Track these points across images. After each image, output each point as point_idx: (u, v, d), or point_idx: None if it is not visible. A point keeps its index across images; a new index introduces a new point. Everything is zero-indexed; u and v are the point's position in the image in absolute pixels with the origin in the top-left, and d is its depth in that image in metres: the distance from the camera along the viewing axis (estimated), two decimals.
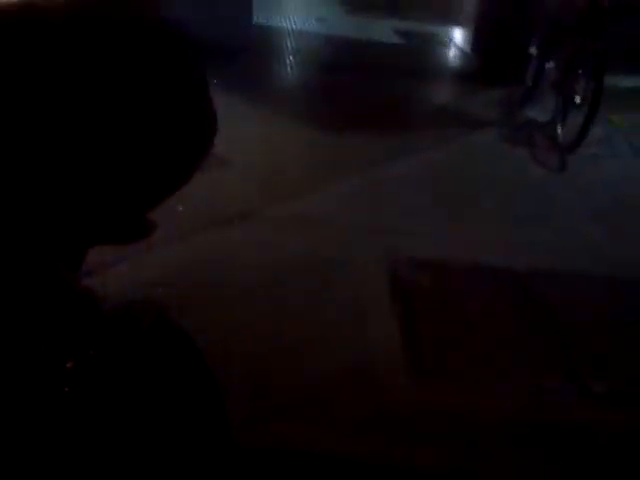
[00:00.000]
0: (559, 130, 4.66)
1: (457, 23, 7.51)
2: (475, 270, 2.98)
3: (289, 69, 5.80)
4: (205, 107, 0.68)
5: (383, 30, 7.46)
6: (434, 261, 2.99)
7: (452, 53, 7.06)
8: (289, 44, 6.37)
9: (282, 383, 2.12)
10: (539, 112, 5.27)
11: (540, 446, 2.05)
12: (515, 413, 2.19)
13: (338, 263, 2.87)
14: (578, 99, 4.51)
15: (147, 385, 0.59)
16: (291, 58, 5.97)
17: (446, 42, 7.42)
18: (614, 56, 4.46)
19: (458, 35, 7.43)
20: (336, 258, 2.90)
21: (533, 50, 5.75)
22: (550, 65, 5.29)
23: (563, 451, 2.05)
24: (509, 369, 2.40)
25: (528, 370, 2.41)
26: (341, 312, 2.55)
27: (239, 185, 3.36)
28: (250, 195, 3.33)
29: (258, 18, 6.84)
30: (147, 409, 0.59)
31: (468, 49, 6.68)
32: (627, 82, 5.59)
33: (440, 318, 2.63)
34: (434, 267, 2.95)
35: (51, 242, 0.58)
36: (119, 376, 0.58)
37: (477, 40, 6.36)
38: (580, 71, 4.57)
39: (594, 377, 2.38)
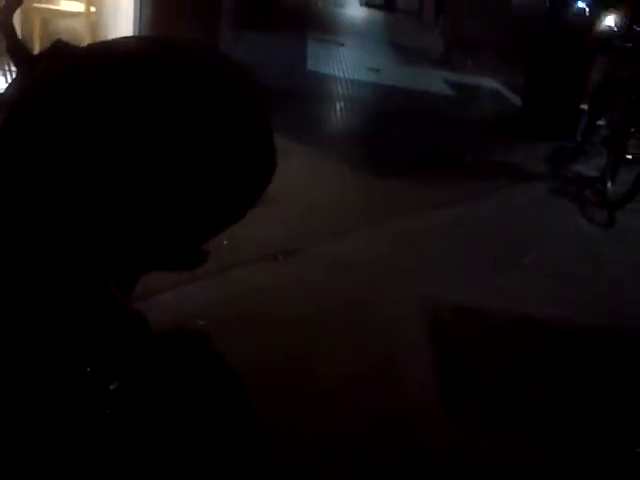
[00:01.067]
0: (609, 186, 4.62)
1: (509, 77, 7.55)
2: (513, 321, 2.94)
3: (339, 115, 5.92)
4: (269, 145, 0.72)
5: (434, 81, 7.56)
6: (471, 309, 2.96)
7: (503, 106, 7.08)
8: (340, 91, 6.51)
9: (313, 422, 2.10)
10: (588, 167, 5.24)
11: None
12: (559, 472, 2.12)
13: (375, 305, 2.87)
14: (629, 156, 4.49)
15: (186, 410, 0.62)
16: (341, 104, 6.09)
17: (497, 95, 7.47)
18: None
19: (509, 88, 7.47)
20: (374, 300, 2.90)
21: (584, 106, 5.75)
22: (601, 121, 5.27)
23: None
24: (549, 423, 2.33)
25: (570, 427, 2.33)
26: (375, 354, 2.54)
27: (284, 223, 3.42)
28: (294, 233, 3.37)
29: (312, 65, 7.04)
30: (185, 433, 0.61)
31: (519, 103, 6.70)
32: None
33: (475, 366, 2.59)
34: (470, 315, 2.93)
35: (110, 264, 0.61)
36: (160, 400, 0.60)
37: (528, 94, 6.38)
38: (632, 129, 4.55)
39: None
